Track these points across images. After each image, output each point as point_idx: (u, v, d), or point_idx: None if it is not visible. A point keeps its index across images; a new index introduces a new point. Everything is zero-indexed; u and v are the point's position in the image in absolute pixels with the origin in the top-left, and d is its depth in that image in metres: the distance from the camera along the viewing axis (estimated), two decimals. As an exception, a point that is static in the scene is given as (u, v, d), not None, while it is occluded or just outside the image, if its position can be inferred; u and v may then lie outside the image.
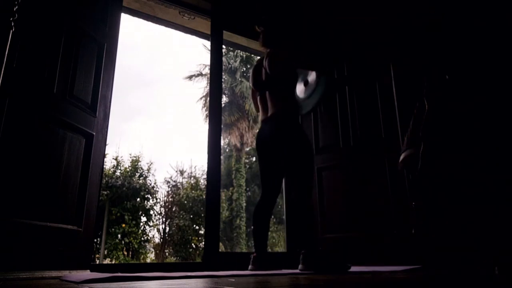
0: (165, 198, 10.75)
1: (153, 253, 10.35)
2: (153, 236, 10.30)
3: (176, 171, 11.94)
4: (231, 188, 14.61)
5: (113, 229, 8.77)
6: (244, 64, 16.03)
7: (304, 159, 2.29)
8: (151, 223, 9.93)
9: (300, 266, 2.11)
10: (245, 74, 15.92)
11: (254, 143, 2.84)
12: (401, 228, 2.67)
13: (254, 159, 16.82)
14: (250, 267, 2.29)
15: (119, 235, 8.80)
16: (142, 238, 9.43)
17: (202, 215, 9.90)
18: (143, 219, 9.69)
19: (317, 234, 3.08)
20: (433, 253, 1.65)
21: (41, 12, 2.01)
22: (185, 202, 10.61)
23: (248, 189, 15.95)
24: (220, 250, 3.05)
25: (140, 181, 9.74)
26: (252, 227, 2.44)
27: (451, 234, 1.53)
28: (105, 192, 8.70)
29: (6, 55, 1.67)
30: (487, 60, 1.63)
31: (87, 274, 1.87)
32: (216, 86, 3.23)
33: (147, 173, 10.16)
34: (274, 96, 2.42)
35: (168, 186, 11.27)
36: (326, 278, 1.50)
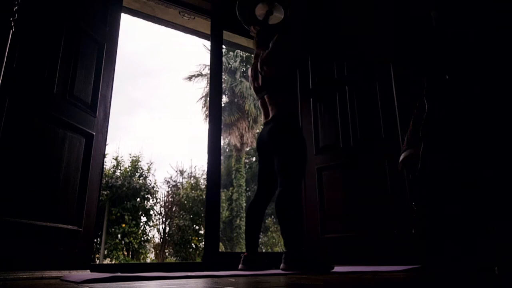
0: (165, 198, 10.75)
1: (153, 253, 10.36)
2: (153, 236, 10.32)
3: (176, 171, 11.95)
4: (231, 188, 14.61)
5: (113, 229, 8.77)
6: (244, 64, 16.03)
7: (289, 163, 2.30)
8: (151, 223, 9.94)
9: (281, 265, 2.13)
10: (245, 74, 15.91)
11: (254, 143, 2.88)
12: (401, 228, 2.67)
13: (254, 159, 16.82)
14: (240, 266, 2.30)
15: (119, 235, 8.80)
16: (142, 238, 9.43)
17: (202, 215, 9.90)
18: (143, 219, 9.69)
19: (317, 234, 3.08)
20: (433, 253, 1.65)
21: (41, 12, 2.01)
22: (185, 202, 10.60)
23: (248, 189, 15.93)
24: (220, 250, 3.05)
25: (140, 181, 9.74)
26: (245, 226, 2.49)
27: (450, 235, 1.53)
28: (105, 192, 8.70)
29: (6, 55, 1.67)
30: (488, 59, 1.63)
31: (87, 274, 1.87)
32: (216, 86, 3.23)
33: (147, 173, 10.16)
34: (272, 100, 2.45)
35: (168, 186, 11.28)
36: (326, 278, 1.50)
